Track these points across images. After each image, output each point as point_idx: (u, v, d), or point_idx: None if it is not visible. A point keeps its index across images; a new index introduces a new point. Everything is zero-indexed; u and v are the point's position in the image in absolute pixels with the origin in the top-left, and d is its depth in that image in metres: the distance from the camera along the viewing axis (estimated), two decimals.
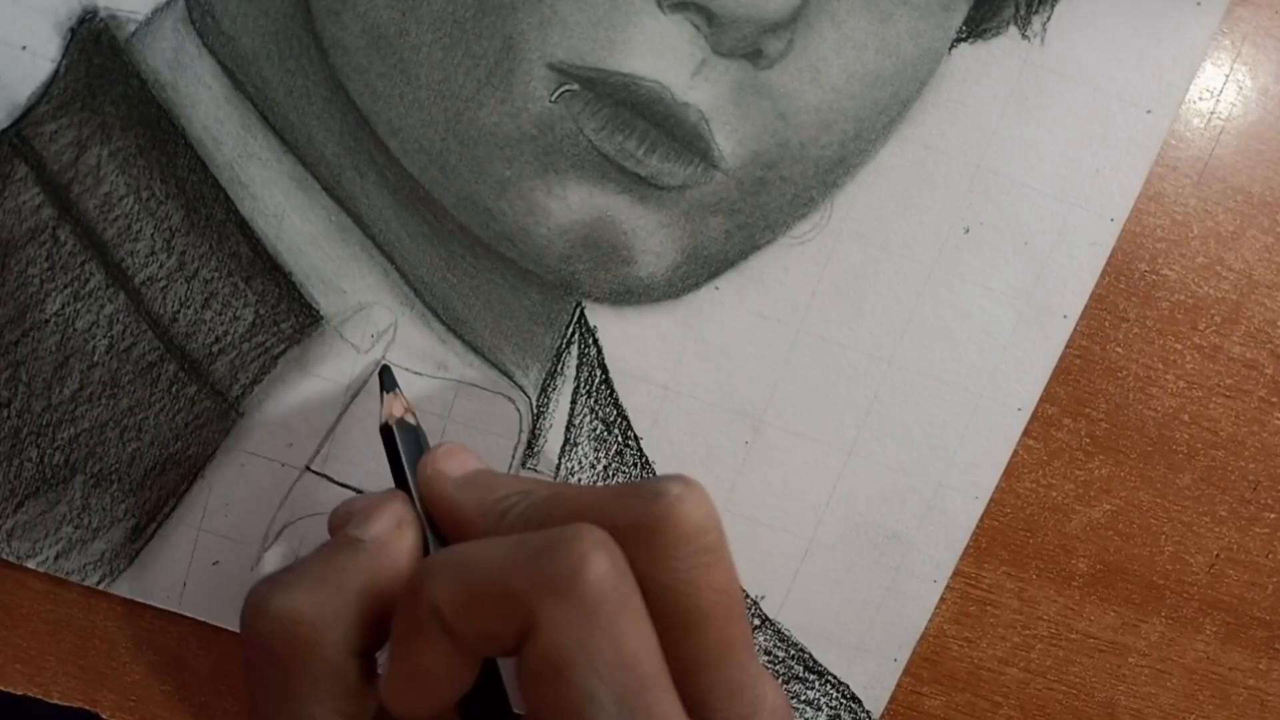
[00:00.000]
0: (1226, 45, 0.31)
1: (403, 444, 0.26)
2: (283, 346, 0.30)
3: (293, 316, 0.30)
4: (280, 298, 0.30)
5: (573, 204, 0.29)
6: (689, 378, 0.32)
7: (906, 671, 0.34)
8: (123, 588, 0.31)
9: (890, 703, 0.35)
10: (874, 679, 0.34)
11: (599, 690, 0.19)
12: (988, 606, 0.34)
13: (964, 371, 0.32)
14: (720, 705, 0.21)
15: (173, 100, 0.29)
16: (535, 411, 0.32)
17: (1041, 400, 0.33)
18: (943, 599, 0.34)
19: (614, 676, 0.19)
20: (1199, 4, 0.30)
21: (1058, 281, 0.32)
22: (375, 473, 0.31)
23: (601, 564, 0.19)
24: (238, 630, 0.32)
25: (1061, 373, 0.33)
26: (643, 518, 0.21)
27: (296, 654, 0.22)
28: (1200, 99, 0.31)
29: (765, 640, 0.34)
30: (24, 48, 0.28)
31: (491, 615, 0.20)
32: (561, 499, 0.23)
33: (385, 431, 0.27)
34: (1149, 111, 0.31)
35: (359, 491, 0.31)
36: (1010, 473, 0.33)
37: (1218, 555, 0.35)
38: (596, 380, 0.31)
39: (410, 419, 0.27)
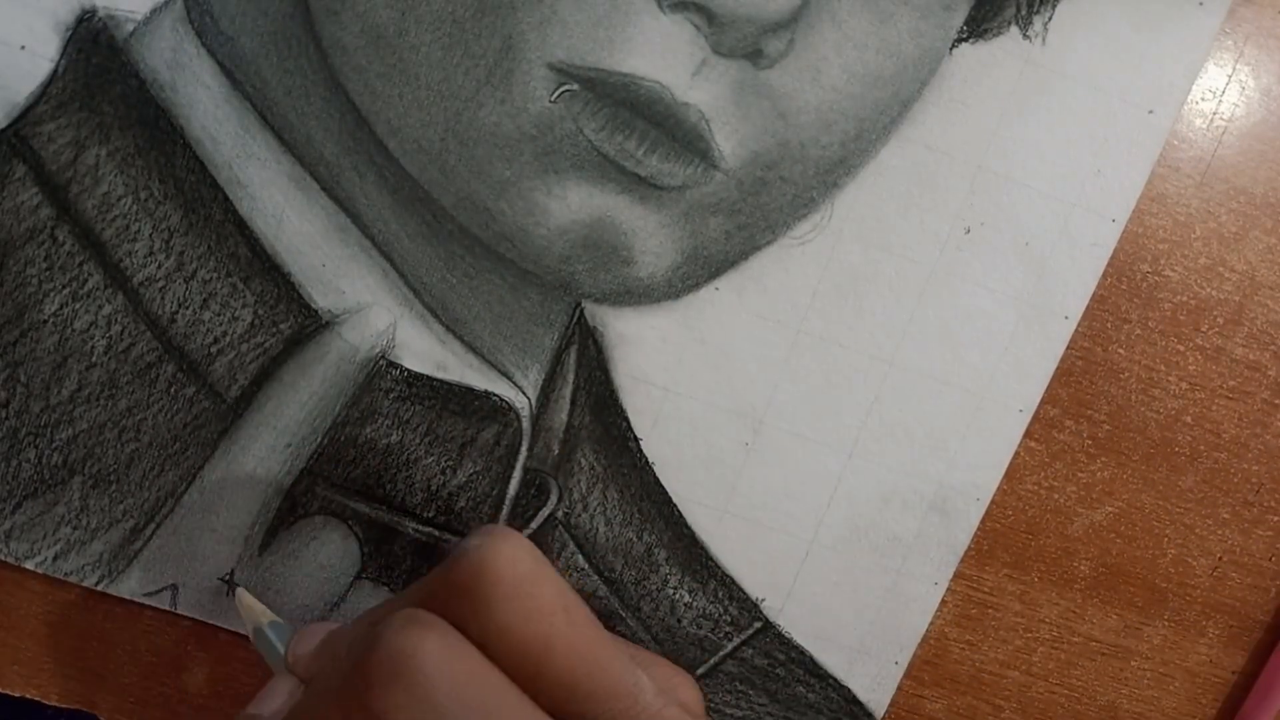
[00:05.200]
0: (1229, 45, 0.31)
1: (277, 638, 0.28)
2: (281, 347, 0.30)
3: (291, 317, 0.30)
4: (279, 298, 0.30)
5: (572, 204, 0.29)
6: (689, 378, 0.31)
7: (908, 674, 0.34)
8: (121, 589, 0.31)
9: (891, 706, 0.35)
10: (875, 682, 0.34)
11: None
12: (989, 609, 0.34)
13: (965, 372, 0.32)
14: (600, 710, 0.22)
15: (171, 100, 0.29)
16: (535, 413, 0.31)
17: (1043, 402, 0.33)
18: (944, 601, 0.34)
19: None
20: (1201, 4, 0.30)
21: (1059, 282, 0.32)
22: (373, 472, 0.31)
23: (402, 638, 0.21)
24: (236, 631, 0.32)
25: (1063, 374, 0.32)
26: (454, 583, 0.22)
27: None
28: (1203, 99, 0.31)
29: (765, 643, 0.34)
30: (23, 47, 0.28)
31: None
32: (393, 604, 0.24)
33: (257, 635, 0.28)
34: (1151, 112, 0.31)
35: (356, 492, 0.31)
36: (1012, 474, 0.33)
37: (1221, 558, 0.34)
38: (596, 381, 0.31)
39: (272, 618, 0.29)
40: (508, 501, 0.32)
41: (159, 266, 0.29)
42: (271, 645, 0.28)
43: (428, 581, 0.23)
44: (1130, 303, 0.32)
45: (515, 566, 0.21)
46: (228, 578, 0.31)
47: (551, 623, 0.22)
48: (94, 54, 0.28)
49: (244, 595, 0.29)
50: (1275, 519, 0.34)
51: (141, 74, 0.28)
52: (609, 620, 0.33)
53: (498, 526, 0.23)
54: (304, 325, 0.30)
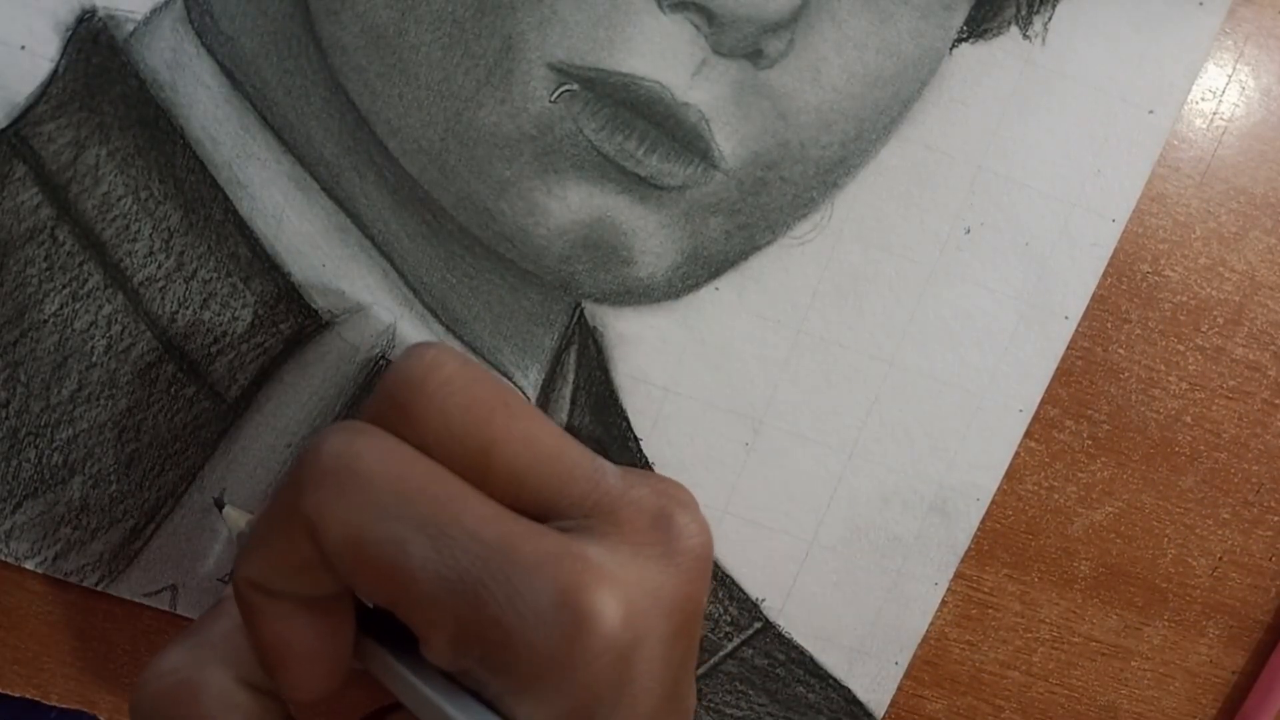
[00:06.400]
0: (1229, 45, 0.31)
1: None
2: (281, 347, 0.30)
3: (291, 317, 0.30)
4: (279, 298, 0.30)
5: (572, 204, 0.29)
6: (689, 378, 0.31)
7: (908, 674, 0.34)
8: (121, 589, 0.31)
9: (891, 706, 0.35)
10: (875, 682, 0.34)
11: (396, 532, 0.18)
12: (989, 609, 0.34)
13: (965, 373, 0.32)
14: (560, 497, 0.20)
15: (171, 100, 0.29)
16: None
17: (1043, 402, 0.33)
18: (944, 602, 0.34)
19: (404, 513, 0.18)
20: (1201, 4, 0.30)
21: (1059, 282, 0.32)
22: None
23: (334, 441, 0.19)
24: None
25: (1063, 374, 0.32)
26: (383, 397, 0.20)
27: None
28: (1203, 99, 0.31)
29: (766, 643, 0.34)
30: (23, 47, 0.28)
31: (288, 551, 0.19)
32: None
33: (239, 539, 0.28)
34: (1151, 112, 0.31)
35: None
36: (1012, 475, 0.33)
37: (1221, 558, 0.34)
38: (596, 381, 0.31)
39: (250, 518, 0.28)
40: None
41: (159, 266, 0.29)
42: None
43: (360, 410, 0.21)
44: (1130, 303, 0.32)
45: (441, 368, 0.20)
46: (219, 498, 0.30)
47: (489, 416, 0.20)
48: (94, 54, 0.28)
49: (229, 510, 0.29)
50: (1275, 519, 0.34)
51: (141, 74, 0.28)
52: None
53: (423, 341, 0.21)
54: (304, 325, 0.30)
